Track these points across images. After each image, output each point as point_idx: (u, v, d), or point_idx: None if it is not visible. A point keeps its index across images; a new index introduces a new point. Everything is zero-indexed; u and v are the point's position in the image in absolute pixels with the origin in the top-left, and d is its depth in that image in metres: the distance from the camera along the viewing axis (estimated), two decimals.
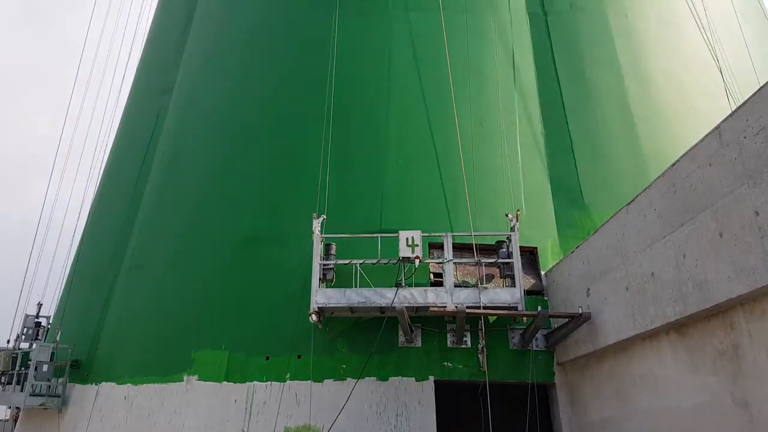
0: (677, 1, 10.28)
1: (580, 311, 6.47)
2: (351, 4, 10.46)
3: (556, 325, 7.24)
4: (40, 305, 10.91)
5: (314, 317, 7.14)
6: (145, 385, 8.01)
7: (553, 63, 9.91)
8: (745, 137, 4.29)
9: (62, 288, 10.83)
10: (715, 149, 4.61)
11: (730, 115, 4.48)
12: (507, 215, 7.58)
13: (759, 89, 4.21)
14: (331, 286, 7.48)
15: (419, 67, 9.81)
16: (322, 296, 7.20)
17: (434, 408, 7.10)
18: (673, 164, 5.17)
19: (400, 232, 7.26)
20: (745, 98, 4.39)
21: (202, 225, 9.09)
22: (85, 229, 11.29)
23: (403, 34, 10.23)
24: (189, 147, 10.44)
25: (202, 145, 10.28)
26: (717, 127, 4.60)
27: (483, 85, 9.58)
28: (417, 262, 7.15)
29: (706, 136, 4.73)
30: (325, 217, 7.83)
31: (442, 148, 8.86)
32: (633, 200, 5.83)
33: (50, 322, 10.59)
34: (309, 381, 7.33)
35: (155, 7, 15.45)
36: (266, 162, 9.37)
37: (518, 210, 7.89)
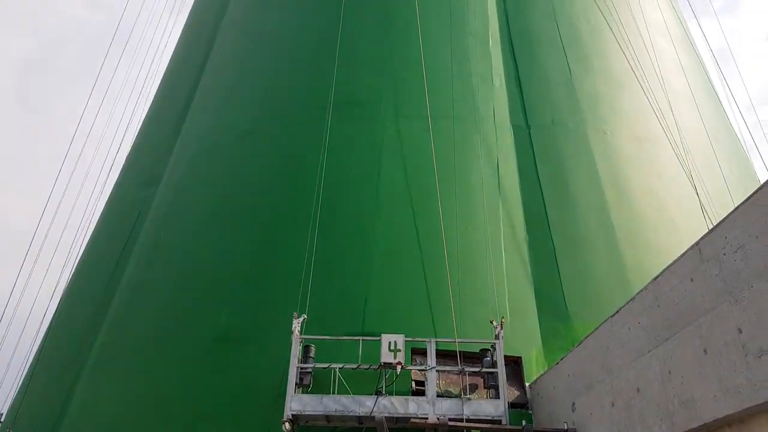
0: (652, 121, 10.84)
1: (566, 427, 6.23)
2: (342, 109, 10.86)
3: None
4: None
5: (287, 425, 6.79)
6: None
7: (536, 174, 10.24)
8: (724, 254, 4.36)
9: (20, 383, 10.29)
10: (696, 265, 4.66)
11: (710, 232, 4.58)
12: (492, 322, 7.49)
13: (736, 208, 4.33)
14: (307, 392, 7.18)
15: (407, 172, 10.08)
16: (297, 403, 6.90)
17: None
18: (656, 278, 5.20)
19: (383, 335, 7.11)
20: (721, 215, 4.50)
21: (175, 323, 8.84)
22: (51, 323, 10.91)
23: (393, 139, 10.59)
24: (170, 242, 10.38)
25: (183, 241, 10.23)
26: (697, 243, 4.68)
27: (469, 192, 9.81)
28: (399, 368, 6.94)
29: (687, 251, 4.80)
30: (306, 316, 7.68)
31: (427, 253, 8.92)
32: (617, 312, 5.80)
33: (2, 420, 9.95)
34: None
35: (150, 100, 15.93)
36: (249, 259, 9.31)
37: (503, 317, 7.81)
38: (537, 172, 10.21)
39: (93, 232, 12.73)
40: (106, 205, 13.39)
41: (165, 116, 13.92)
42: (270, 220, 9.82)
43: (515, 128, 10.89)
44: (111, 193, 13.66)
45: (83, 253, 12.14)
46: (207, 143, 11.89)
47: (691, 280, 4.68)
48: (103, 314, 9.86)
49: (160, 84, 15.51)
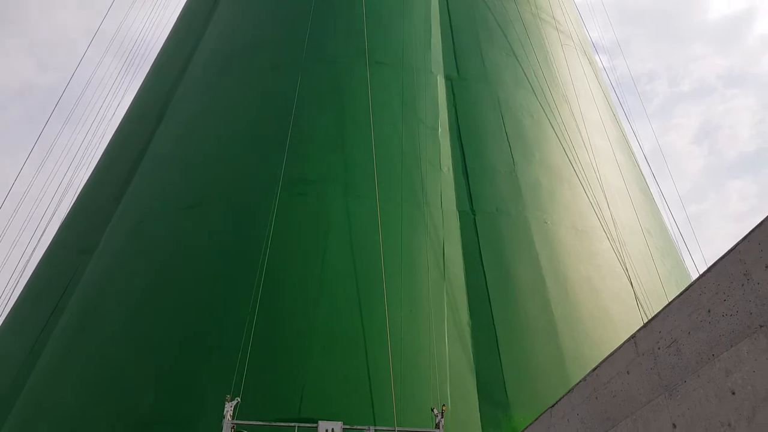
0: (589, 213, 11.32)
1: None
2: (292, 186, 10.88)
3: None
4: None
5: None
6: None
7: (480, 260, 10.39)
8: (659, 348, 4.45)
9: None
10: (632, 357, 4.73)
11: (645, 326, 4.69)
12: (433, 410, 7.32)
13: (669, 303, 4.48)
14: None
15: (354, 252, 10.04)
16: None
17: None
18: (594, 369, 5.24)
19: (320, 422, 6.83)
20: (655, 308, 4.64)
21: (97, 403, 8.22)
22: None
23: (341, 219, 10.61)
24: (99, 313, 9.86)
25: (114, 313, 9.73)
26: (633, 336, 4.78)
27: (414, 275, 9.82)
28: None
29: (624, 343, 4.88)
30: (239, 399, 7.30)
31: (369, 336, 8.76)
32: (556, 403, 5.77)
33: None
34: None
35: (93, 165, 15.53)
36: (182, 335, 8.90)
37: (444, 405, 7.65)
38: (481, 258, 10.37)
39: (18, 297, 12.00)
40: (35, 269, 12.73)
41: (107, 183, 13.59)
42: (208, 296, 9.51)
43: (461, 214, 11.14)
44: (42, 257, 13.03)
45: (5, 319, 11.39)
46: (150, 213, 11.58)
47: (628, 372, 4.73)
48: (20, 389, 9.12)
49: (104, 150, 15.24)
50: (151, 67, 17.00)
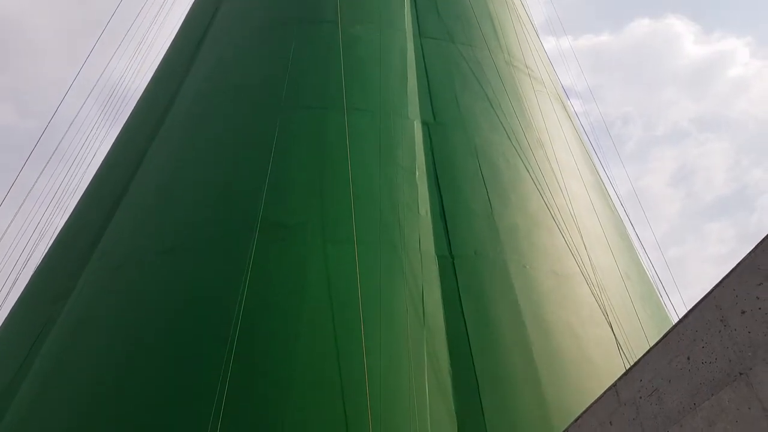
0: (568, 258, 11.30)
1: None
2: (269, 231, 10.74)
3: None
4: None
5: None
6: None
7: (460, 306, 10.25)
8: (640, 397, 4.34)
9: None
10: (615, 407, 4.60)
11: (625, 374, 4.58)
12: None
13: (649, 350, 4.39)
14: None
15: (332, 298, 9.86)
16: None
17: None
18: (576, 420, 5.09)
19: None
20: (637, 354, 4.54)
21: None
22: None
23: (318, 264, 10.44)
24: (71, 362, 9.49)
25: (85, 363, 9.37)
26: (614, 385, 4.66)
27: (393, 321, 9.62)
28: None
29: (605, 392, 4.76)
30: None
31: (348, 385, 8.51)
32: None
33: None
34: None
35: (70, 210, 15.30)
36: (154, 384, 8.57)
37: None
38: (461, 304, 10.23)
39: None
40: (6, 318, 12.33)
41: (84, 227, 13.37)
42: (183, 344, 9.18)
43: (440, 258, 11.04)
44: (14, 306, 12.66)
45: None
46: (126, 258, 11.33)
47: (611, 423, 4.60)
48: None
49: (82, 194, 15.07)
50: (133, 110, 17.00)
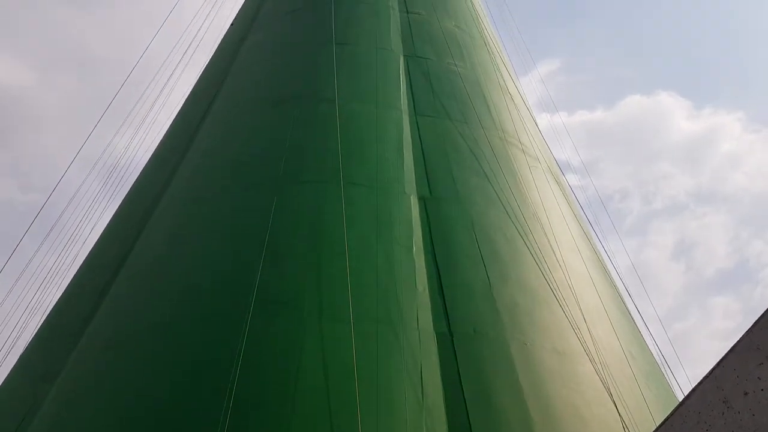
0: (570, 335, 11.07)
1: None
2: (264, 307, 10.56)
3: None
4: None
5: None
6: None
7: (459, 384, 9.94)
8: None
9: None
10: None
11: None
12: None
13: (655, 430, 4.20)
14: None
15: (327, 377, 9.58)
16: None
17: None
18: None
19: None
20: None
21: None
22: None
23: (314, 342, 10.18)
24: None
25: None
26: None
27: (391, 402, 9.30)
28: None
29: None
30: None
31: None
32: None
33: None
34: None
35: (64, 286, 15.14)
36: None
37: None
38: (461, 383, 9.91)
39: None
40: None
41: (77, 302, 13.21)
42: (175, 420, 8.90)
43: (439, 336, 10.80)
44: (1, 386, 12.30)
45: None
46: (119, 334, 11.13)
47: None
48: None
49: (78, 269, 15.01)
50: (133, 184, 17.20)
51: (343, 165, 13.16)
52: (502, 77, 19.00)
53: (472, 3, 23.46)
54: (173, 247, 12.78)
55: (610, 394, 9.92)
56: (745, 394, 3.26)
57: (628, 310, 13.87)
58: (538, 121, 19.52)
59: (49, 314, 14.03)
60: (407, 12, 19.51)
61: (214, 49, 21.41)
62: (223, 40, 21.79)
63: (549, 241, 12.81)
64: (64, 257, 18.17)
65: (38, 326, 13.83)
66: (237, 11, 23.17)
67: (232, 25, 22.13)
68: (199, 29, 23.00)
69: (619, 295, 14.17)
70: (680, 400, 4.31)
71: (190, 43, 22.00)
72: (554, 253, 12.55)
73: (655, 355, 13.22)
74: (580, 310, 11.54)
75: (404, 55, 17.54)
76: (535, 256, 12.31)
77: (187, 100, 19.32)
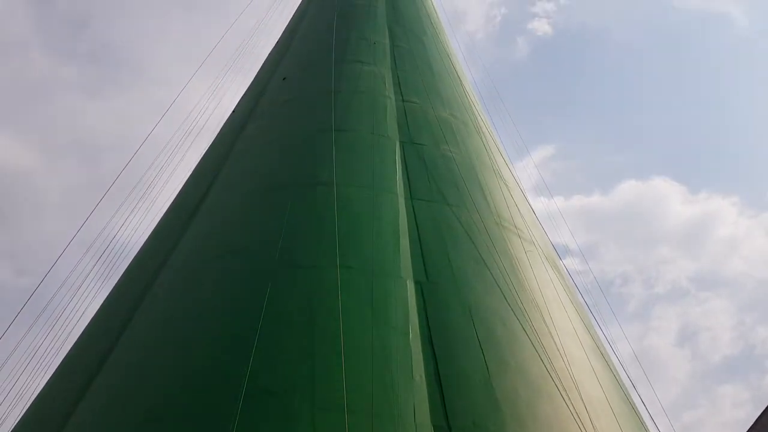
0: (573, 428, 10.63)
1: None
2: (254, 398, 10.12)
3: None
4: None
5: None
6: None
7: None
8: None
9: None
10: None
11: None
12: None
13: None
14: None
15: None
16: None
17: None
18: None
19: None
20: None
21: None
22: None
23: None
24: None
25: None
26: None
27: None
28: None
29: None
30: None
31: None
32: None
33: None
34: None
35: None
36: None
37: None
38: None
39: None
40: None
41: (61, 394, 12.73)
42: None
43: (436, 429, 10.32)
44: None
45: None
46: (102, 429, 10.65)
47: None
48: None
49: (63, 360, 14.57)
50: (127, 268, 17.01)
51: (339, 249, 13.09)
52: (496, 163, 19.37)
53: (465, 91, 24.30)
54: (164, 332, 12.48)
55: None
56: None
57: (632, 401, 13.40)
58: (535, 206, 19.72)
59: (33, 401, 13.55)
60: (403, 100, 20.14)
61: (214, 136, 21.91)
62: (223, 126, 22.35)
63: (548, 328, 12.57)
64: (53, 342, 17.74)
65: (22, 413, 13.31)
66: (239, 100, 23.92)
67: (233, 112, 22.77)
68: (200, 114, 23.62)
69: (622, 385, 13.74)
70: None
71: (191, 129, 22.54)
72: (554, 340, 12.27)
73: None
74: (582, 401, 11.13)
75: (400, 141, 17.93)
76: (534, 343, 12.03)
77: (185, 184, 19.54)
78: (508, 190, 18.01)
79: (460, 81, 25.02)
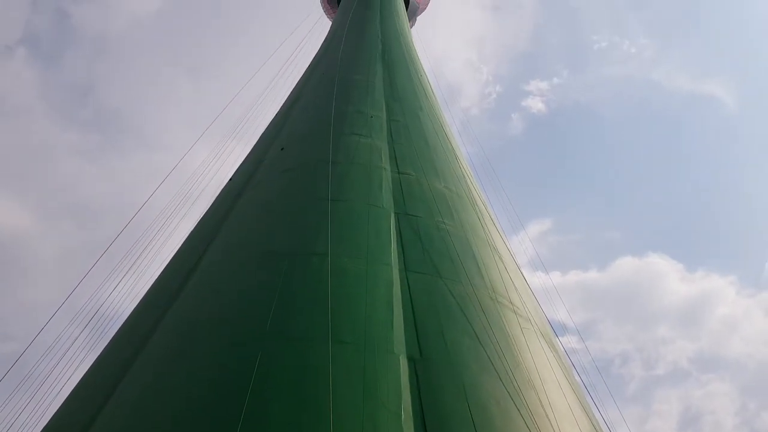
0: None
1: None
2: None
3: None
4: None
5: None
6: None
7: None
8: None
9: None
10: None
11: None
12: None
13: None
14: None
15: None
16: None
17: None
18: None
19: None
20: None
21: None
22: None
23: None
24: None
25: None
26: None
27: None
28: None
29: None
30: None
31: None
32: None
33: None
34: None
35: None
36: None
37: None
38: None
39: None
40: None
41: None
42: None
43: None
44: None
45: None
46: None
47: None
48: None
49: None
50: (114, 335, 16.58)
51: (331, 322, 12.84)
52: (491, 236, 19.38)
53: (460, 164, 24.67)
54: (151, 402, 12.03)
55: None
56: None
57: None
58: (531, 281, 19.58)
59: None
60: (398, 172, 20.37)
61: (211, 202, 21.98)
62: (220, 193, 22.45)
63: (545, 409, 12.17)
64: (35, 410, 17.10)
65: None
66: (237, 167, 24.15)
67: (230, 180, 22.94)
68: (198, 180, 23.78)
69: None
70: None
71: (187, 194, 22.62)
72: (550, 423, 11.87)
73: None
74: None
75: (395, 212, 17.99)
76: (530, 426, 11.61)
77: (179, 250, 19.41)
78: (503, 264, 17.93)
79: (455, 154, 25.46)
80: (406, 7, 55.60)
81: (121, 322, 17.15)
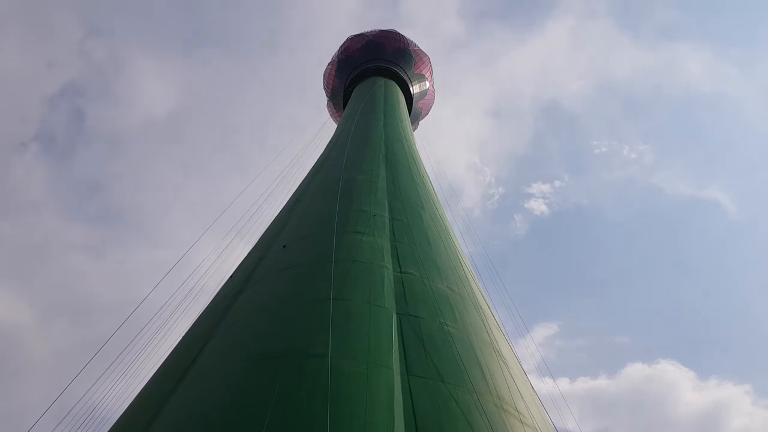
0: None
1: None
2: None
3: None
4: None
5: None
6: None
7: None
8: None
9: None
10: None
11: None
12: None
13: None
14: None
15: None
16: None
17: None
18: None
19: None
20: None
21: None
22: None
23: None
24: None
25: None
26: None
27: None
28: None
29: None
30: None
31: None
32: None
33: None
34: None
35: None
36: None
37: None
38: None
39: None
40: None
41: None
42: None
43: None
44: None
45: None
46: None
47: None
48: None
49: None
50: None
51: (330, 428, 12.28)
52: (496, 340, 18.91)
53: (462, 264, 24.57)
54: None
55: None
56: None
57: None
58: (538, 388, 18.85)
59: None
60: (401, 271, 20.21)
61: (209, 300, 21.73)
62: (219, 291, 22.24)
63: None
64: None
65: None
66: (238, 265, 24.09)
67: (231, 278, 22.80)
68: (199, 279, 23.66)
69: None
70: None
71: (188, 292, 22.41)
72: None
73: None
74: None
75: (397, 313, 17.64)
76: None
77: (175, 348, 18.95)
78: (509, 369, 17.35)
79: (458, 254, 25.43)
80: (409, 112, 57.94)
81: (111, 423, 16.44)
